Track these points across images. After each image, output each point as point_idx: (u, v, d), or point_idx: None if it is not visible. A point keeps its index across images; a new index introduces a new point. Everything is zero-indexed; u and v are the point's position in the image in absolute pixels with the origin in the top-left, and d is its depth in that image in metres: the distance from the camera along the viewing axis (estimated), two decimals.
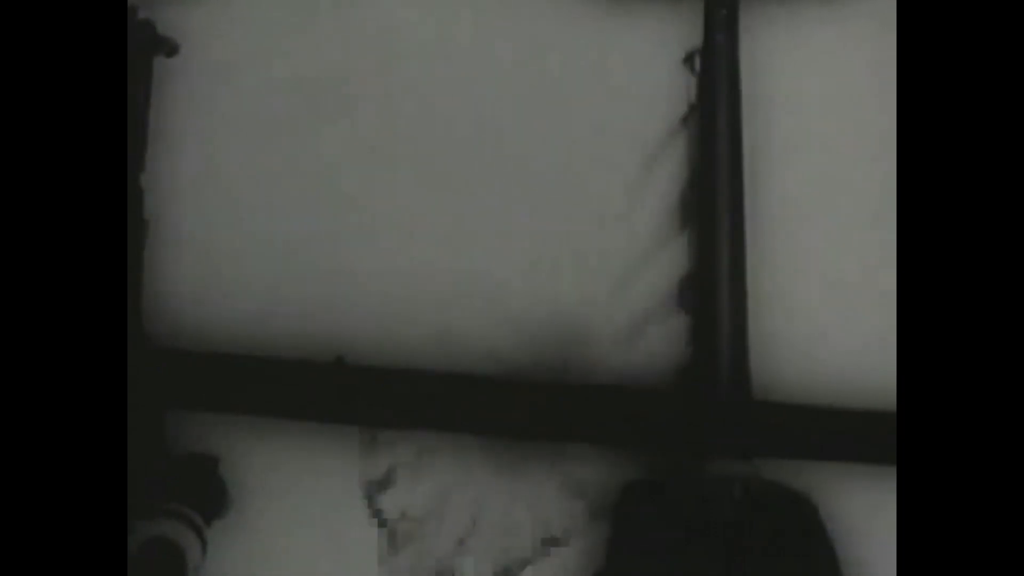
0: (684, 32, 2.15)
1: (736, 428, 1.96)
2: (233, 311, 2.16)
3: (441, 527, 2.11)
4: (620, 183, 2.17)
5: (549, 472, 2.09)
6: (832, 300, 2.09)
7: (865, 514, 1.94)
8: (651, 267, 2.14)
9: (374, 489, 2.12)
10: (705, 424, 1.97)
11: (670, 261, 2.13)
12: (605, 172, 2.18)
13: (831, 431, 1.96)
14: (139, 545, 1.91)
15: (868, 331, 2.04)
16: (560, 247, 2.16)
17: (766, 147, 2.11)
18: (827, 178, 2.13)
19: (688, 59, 2.17)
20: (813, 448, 1.96)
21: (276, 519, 2.13)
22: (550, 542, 2.09)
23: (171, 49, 2.17)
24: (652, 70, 2.18)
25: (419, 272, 2.17)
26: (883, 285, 1.87)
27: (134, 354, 1.73)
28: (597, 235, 2.16)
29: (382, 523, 2.11)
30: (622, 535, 1.92)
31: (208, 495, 2.07)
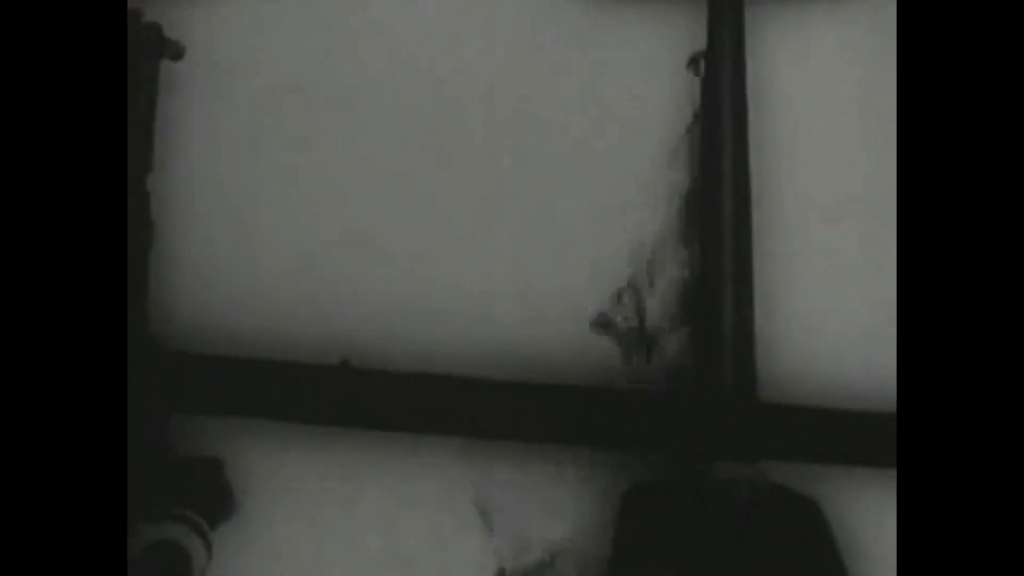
0: (689, 35, 2.14)
1: (741, 430, 1.95)
2: (238, 314, 2.16)
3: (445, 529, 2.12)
4: (625, 187, 2.17)
5: (554, 475, 2.09)
6: (836, 302, 2.09)
7: (869, 516, 1.93)
8: (656, 270, 2.14)
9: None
10: (710, 426, 1.97)
11: (675, 264, 2.13)
12: (609, 176, 2.17)
13: (836, 433, 1.95)
14: (144, 549, 1.90)
15: (872, 334, 2.04)
16: (562, 249, 2.16)
17: (771, 150, 2.11)
18: (831, 180, 2.13)
19: (692, 62, 2.16)
20: (818, 450, 1.96)
21: (281, 523, 2.13)
22: (556, 546, 2.09)
23: (177, 52, 2.18)
24: (656, 74, 2.18)
25: (424, 275, 2.17)
26: (886, 287, 1.86)
27: (139, 357, 1.73)
28: (601, 238, 2.16)
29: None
30: (626, 537, 1.92)
31: (213, 499, 2.07)
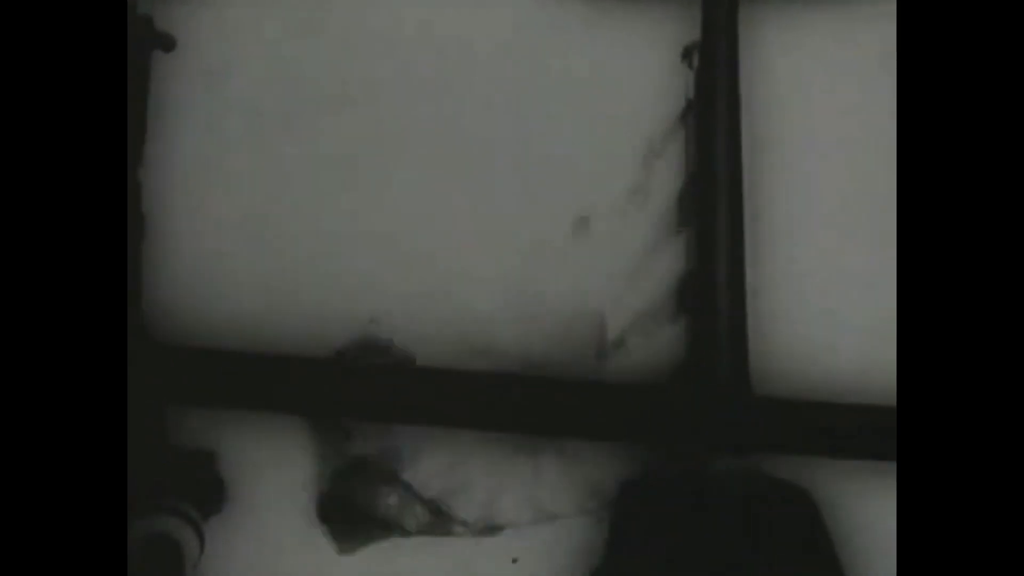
0: (682, 28, 2.15)
1: (736, 423, 1.96)
2: (231, 306, 2.16)
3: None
4: (619, 180, 2.18)
5: (550, 468, 2.09)
6: (832, 296, 2.10)
7: (865, 510, 1.94)
8: (651, 264, 2.14)
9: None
10: (705, 420, 1.97)
11: (670, 258, 2.13)
12: (603, 169, 2.18)
13: (831, 426, 1.96)
14: (137, 541, 1.90)
15: (868, 327, 2.05)
16: (559, 245, 2.16)
17: (765, 143, 2.11)
18: (827, 173, 2.14)
19: (686, 54, 2.15)
20: (813, 444, 1.96)
21: (273, 515, 2.12)
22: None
23: (168, 44, 2.18)
24: (650, 66, 2.18)
25: (419, 268, 2.17)
26: (883, 280, 1.87)
27: (133, 349, 1.72)
28: (597, 232, 2.16)
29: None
30: (621, 531, 1.93)
31: (206, 491, 2.07)
